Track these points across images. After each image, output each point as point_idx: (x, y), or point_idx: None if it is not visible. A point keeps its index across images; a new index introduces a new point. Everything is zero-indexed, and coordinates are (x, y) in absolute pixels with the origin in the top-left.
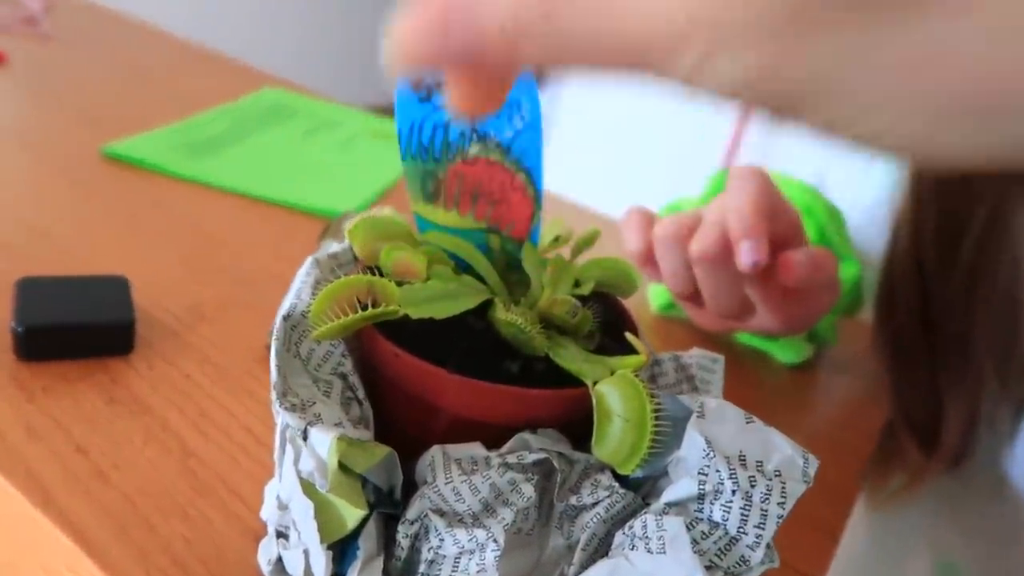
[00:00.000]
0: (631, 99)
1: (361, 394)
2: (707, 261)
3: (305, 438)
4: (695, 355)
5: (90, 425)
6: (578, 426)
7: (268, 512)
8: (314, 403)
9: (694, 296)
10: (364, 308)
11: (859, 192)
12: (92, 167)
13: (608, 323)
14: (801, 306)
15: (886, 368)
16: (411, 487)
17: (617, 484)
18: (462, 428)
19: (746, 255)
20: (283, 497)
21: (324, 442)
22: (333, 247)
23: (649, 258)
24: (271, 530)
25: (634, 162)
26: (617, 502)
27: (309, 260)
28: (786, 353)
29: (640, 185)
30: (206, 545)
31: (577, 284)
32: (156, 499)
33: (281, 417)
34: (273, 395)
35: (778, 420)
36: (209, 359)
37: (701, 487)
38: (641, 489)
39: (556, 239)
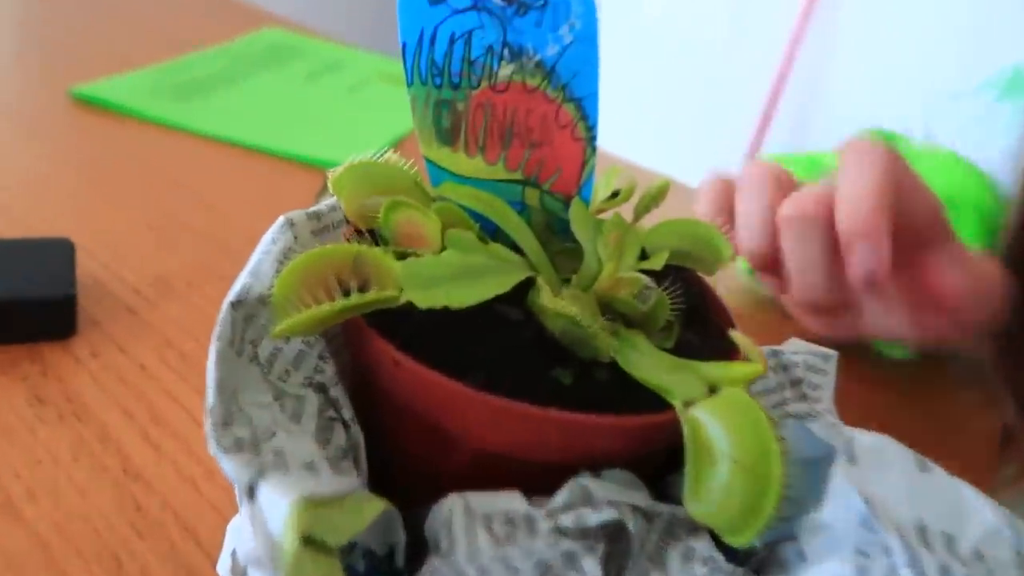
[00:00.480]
0: (660, 60)
1: (348, 414)
2: (798, 222)
3: (252, 496)
4: (800, 350)
5: (3, 434)
6: (655, 456)
7: (226, 569)
8: (274, 434)
9: (774, 269)
10: (350, 292)
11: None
12: (56, 111)
13: (688, 310)
14: (945, 315)
15: (998, 348)
16: (418, 545)
17: (719, 555)
18: (491, 466)
19: (861, 263)
20: (240, 558)
21: (278, 509)
22: (317, 204)
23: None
24: None
25: (660, 127)
26: None
27: (280, 221)
28: (892, 347)
29: (665, 152)
30: None
31: (644, 256)
32: (80, 541)
33: (217, 459)
34: (208, 425)
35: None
36: (173, 346)
37: (862, 574)
38: (751, 560)
39: (615, 194)
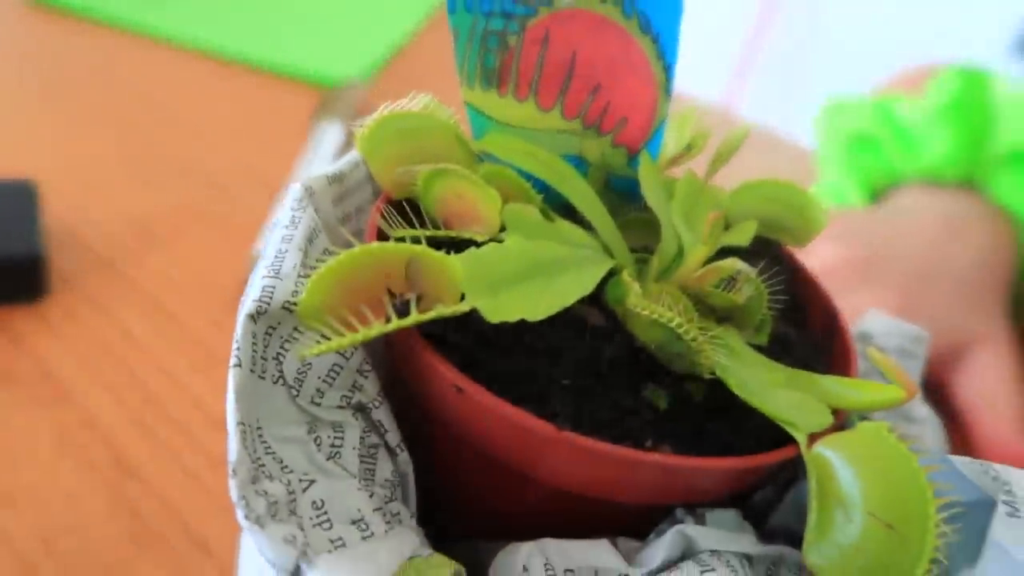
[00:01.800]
0: None
1: (394, 439)
2: None
3: None
4: (890, 331)
5: None
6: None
7: None
8: (312, 482)
9: None
10: (400, 303)
11: None
12: (9, 17)
13: (781, 299)
14: None
15: None
16: None
17: None
18: (568, 505)
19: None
20: None
21: None
22: (330, 135)
23: None
24: None
25: None
26: None
27: (297, 191)
28: None
29: None
30: None
31: (726, 226)
32: (71, 558)
33: (247, 532)
34: (233, 487)
35: None
36: (160, 306)
37: None
38: None
39: (688, 147)
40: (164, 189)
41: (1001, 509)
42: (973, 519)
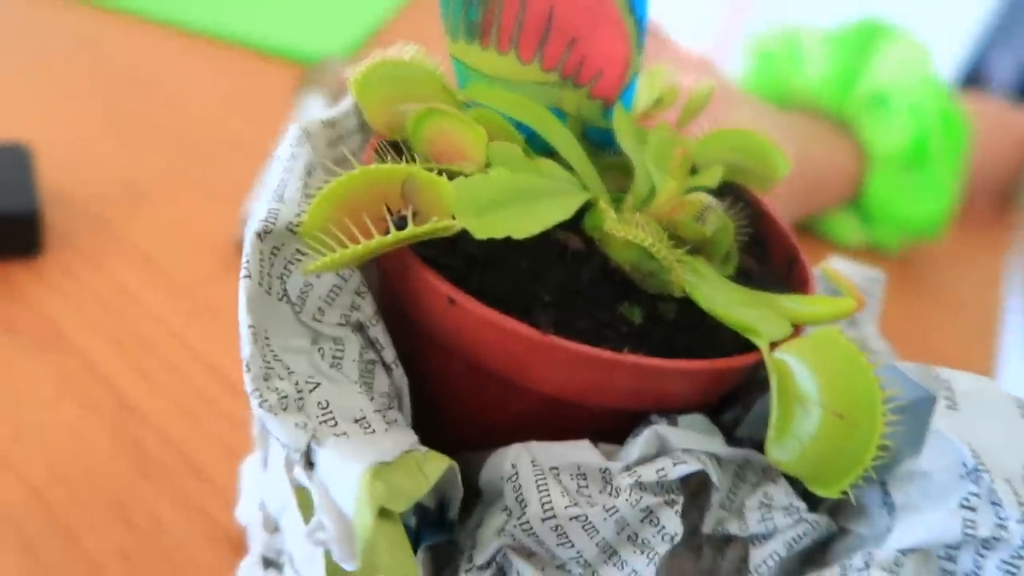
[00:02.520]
0: None
1: (389, 355)
2: None
3: (310, 463)
4: (843, 268)
5: None
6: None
7: (248, 516)
8: (317, 384)
9: None
10: (397, 219)
11: None
12: None
13: (745, 235)
14: None
15: None
16: (471, 495)
17: (800, 502)
18: (552, 411)
19: None
20: (272, 510)
21: (344, 479)
22: (327, 109)
23: None
24: (254, 551)
25: None
26: (803, 535)
27: (294, 131)
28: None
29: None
30: (156, 560)
31: (694, 171)
32: (78, 488)
33: (261, 420)
34: (248, 381)
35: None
36: (153, 261)
37: (968, 529)
38: (824, 502)
39: (659, 100)
40: (152, 154)
41: (941, 403)
42: (917, 414)
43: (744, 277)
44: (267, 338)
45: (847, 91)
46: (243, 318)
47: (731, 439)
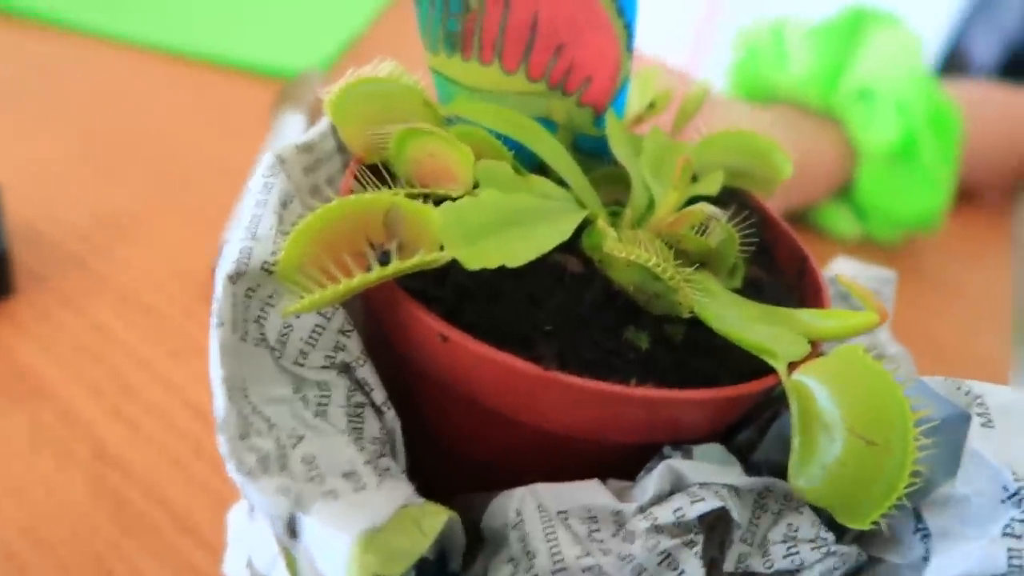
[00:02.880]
0: None
1: (379, 396)
2: None
3: (293, 532)
4: (852, 269)
5: None
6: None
7: (236, 571)
8: (301, 437)
9: None
10: (382, 254)
11: None
12: None
13: (750, 244)
14: None
15: None
16: (474, 538)
17: (829, 534)
18: (559, 448)
19: None
20: (259, 567)
21: (331, 548)
22: (303, 133)
23: None
24: None
25: None
26: (833, 569)
27: (267, 159)
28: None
29: None
30: None
31: (693, 178)
32: (55, 546)
33: (240, 485)
34: (222, 442)
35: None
36: (133, 298)
37: (1015, 559)
38: (849, 531)
39: (651, 105)
40: (128, 184)
41: (976, 421)
42: (949, 434)
43: (753, 289)
44: (245, 389)
45: (833, 85)
46: (216, 371)
47: (747, 464)
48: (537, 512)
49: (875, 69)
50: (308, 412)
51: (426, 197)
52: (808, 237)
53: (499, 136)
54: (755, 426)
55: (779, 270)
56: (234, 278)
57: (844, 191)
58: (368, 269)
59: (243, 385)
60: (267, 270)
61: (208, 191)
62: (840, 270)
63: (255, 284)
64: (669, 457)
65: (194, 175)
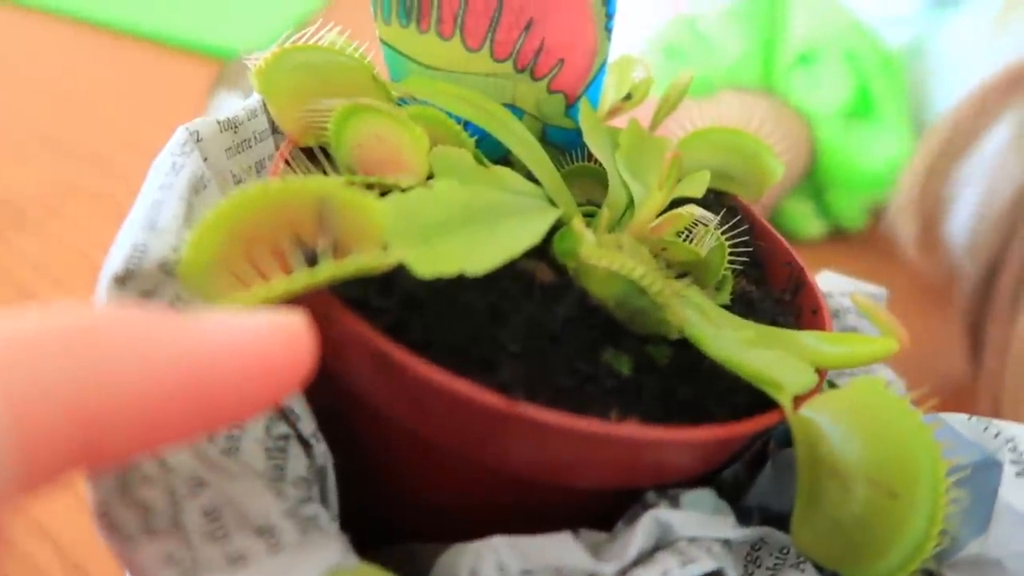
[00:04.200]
0: None
1: (308, 428)
2: None
3: None
4: (844, 290)
5: None
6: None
7: None
8: (202, 483)
9: None
10: (310, 254)
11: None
12: None
13: (740, 252)
14: None
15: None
16: None
17: None
18: (523, 498)
19: None
20: None
21: None
22: (229, 106)
23: None
24: None
25: None
26: None
27: (179, 135)
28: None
29: None
30: None
31: (677, 178)
32: None
33: (113, 553)
34: (91, 495)
35: None
36: (30, 294)
37: None
38: None
39: (629, 96)
40: (36, 166)
41: (1009, 470)
42: (978, 483)
43: (744, 305)
44: None
45: (771, 59)
46: None
47: (735, 508)
48: (497, 572)
49: (812, 31)
50: (214, 449)
51: (371, 187)
52: None
53: (459, 120)
54: (743, 462)
55: (770, 284)
56: (122, 279)
57: (803, 180)
58: (295, 272)
59: None
60: (167, 270)
61: (125, 177)
62: (827, 284)
63: (151, 287)
64: (654, 505)
65: (111, 159)
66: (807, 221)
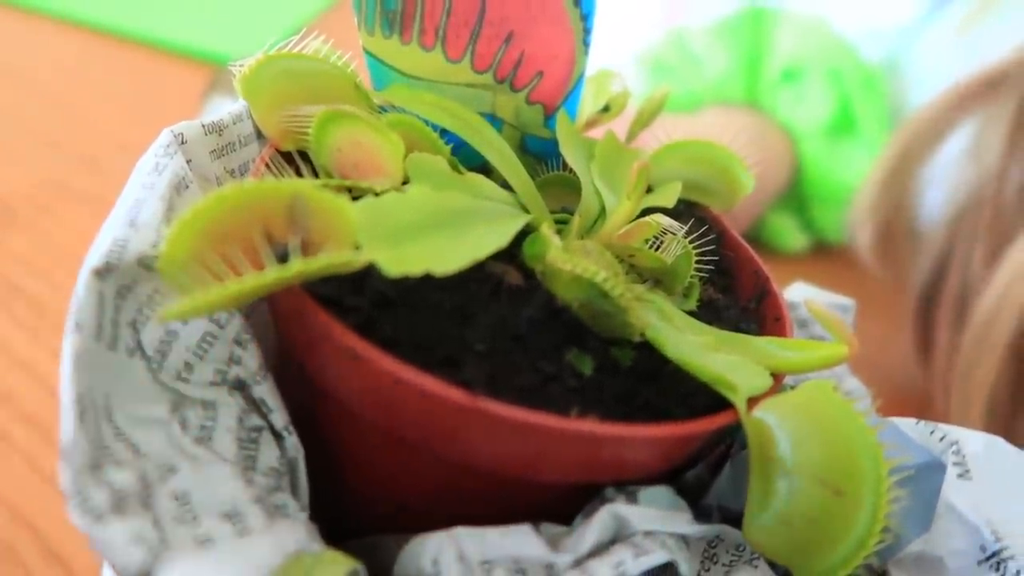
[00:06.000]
0: None
1: (280, 420)
2: None
3: None
4: (811, 296)
5: None
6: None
7: None
8: (172, 469)
9: None
10: (281, 251)
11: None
12: None
13: (708, 261)
14: None
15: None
16: None
17: None
18: (485, 491)
19: None
20: None
21: None
22: (216, 112)
23: None
24: None
25: None
26: None
27: (163, 136)
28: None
29: None
30: None
31: (648, 189)
32: None
33: (83, 530)
34: (65, 476)
35: None
36: (20, 291)
37: None
38: None
39: (606, 108)
40: (26, 164)
41: (952, 471)
42: (922, 483)
43: (709, 311)
44: (108, 408)
45: (756, 75)
46: (66, 388)
47: (696, 507)
48: (457, 562)
49: (796, 48)
50: (187, 438)
51: (347, 191)
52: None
53: (438, 130)
54: (706, 463)
55: (737, 293)
56: (102, 273)
57: (785, 194)
58: (266, 268)
59: (106, 403)
60: (146, 265)
61: (118, 178)
62: (797, 296)
63: (130, 281)
64: (611, 500)
65: (104, 160)
66: (791, 235)
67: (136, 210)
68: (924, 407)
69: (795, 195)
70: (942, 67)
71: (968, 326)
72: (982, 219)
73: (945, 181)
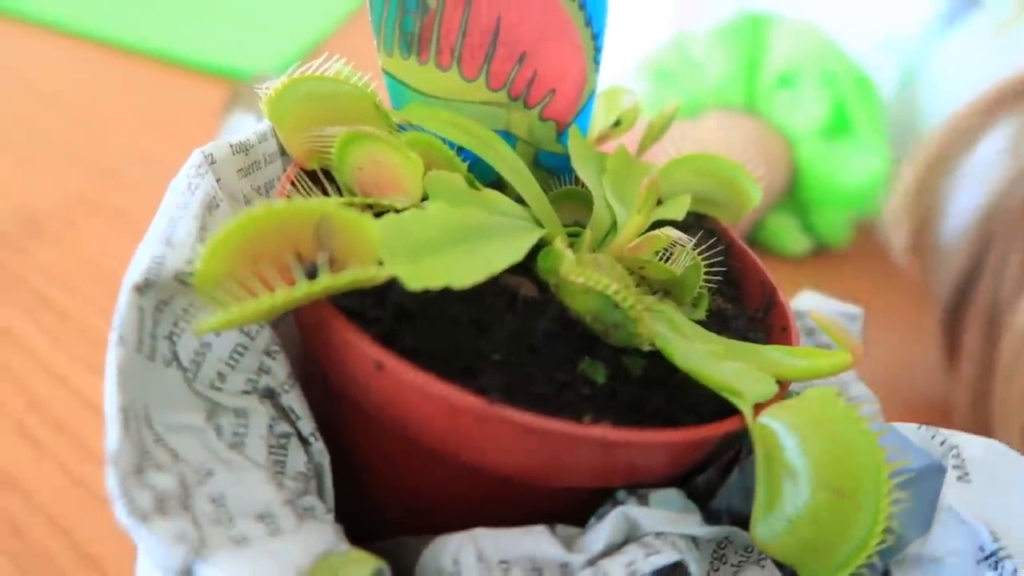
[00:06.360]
0: None
1: (307, 427)
2: None
3: None
4: (818, 305)
5: None
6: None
7: None
8: (210, 473)
9: None
10: (310, 267)
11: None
12: None
13: (717, 272)
14: None
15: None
16: None
17: None
18: (503, 492)
19: None
20: None
21: None
22: (242, 131)
23: None
24: None
25: None
26: None
27: (195, 157)
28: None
29: None
30: None
31: (658, 202)
32: None
33: (128, 530)
34: (112, 479)
35: None
36: (48, 303)
37: None
38: None
39: (617, 123)
40: (53, 179)
41: (951, 474)
42: (923, 486)
43: (718, 321)
44: (148, 416)
45: (753, 80)
46: (111, 398)
47: (706, 510)
48: (477, 562)
49: (791, 53)
50: (222, 443)
51: (369, 208)
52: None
53: (454, 147)
54: (716, 467)
55: (745, 302)
56: (142, 288)
57: (786, 197)
58: (296, 283)
59: (146, 412)
60: (182, 280)
61: (141, 192)
62: (805, 304)
63: (167, 296)
64: (623, 503)
65: (127, 174)
66: (792, 238)
67: (171, 229)
68: (934, 410)
69: (795, 198)
70: (970, 72)
71: (1007, 332)
72: (1020, 221)
73: (978, 184)
